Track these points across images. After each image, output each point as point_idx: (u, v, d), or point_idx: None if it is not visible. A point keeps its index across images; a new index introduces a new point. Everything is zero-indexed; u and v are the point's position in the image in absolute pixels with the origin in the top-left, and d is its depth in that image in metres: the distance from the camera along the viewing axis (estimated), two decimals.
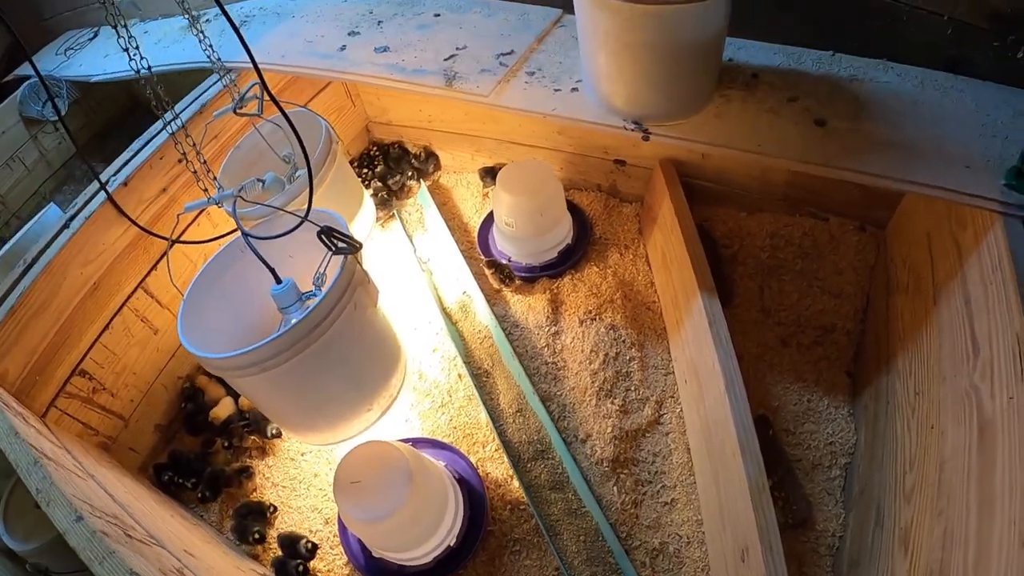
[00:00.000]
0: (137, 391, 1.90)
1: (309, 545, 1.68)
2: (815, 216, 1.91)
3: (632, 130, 1.63)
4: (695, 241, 1.77)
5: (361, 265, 1.46)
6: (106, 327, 1.78)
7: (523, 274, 2.06)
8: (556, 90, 1.75)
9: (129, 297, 1.84)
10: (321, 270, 1.46)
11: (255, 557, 1.72)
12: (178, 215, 1.62)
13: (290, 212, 1.45)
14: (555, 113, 1.66)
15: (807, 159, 1.53)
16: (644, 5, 1.41)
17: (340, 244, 1.40)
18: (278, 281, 1.45)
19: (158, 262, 1.88)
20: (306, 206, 1.46)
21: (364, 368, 1.51)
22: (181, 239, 1.83)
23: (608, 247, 2.09)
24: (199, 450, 1.90)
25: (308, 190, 1.46)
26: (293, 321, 1.37)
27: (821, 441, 1.67)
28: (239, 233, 1.46)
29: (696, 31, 1.48)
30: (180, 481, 1.84)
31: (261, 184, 1.72)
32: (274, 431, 1.88)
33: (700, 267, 1.71)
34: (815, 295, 1.85)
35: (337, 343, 1.39)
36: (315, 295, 1.49)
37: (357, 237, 1.42)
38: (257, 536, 1.72)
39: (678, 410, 1.77)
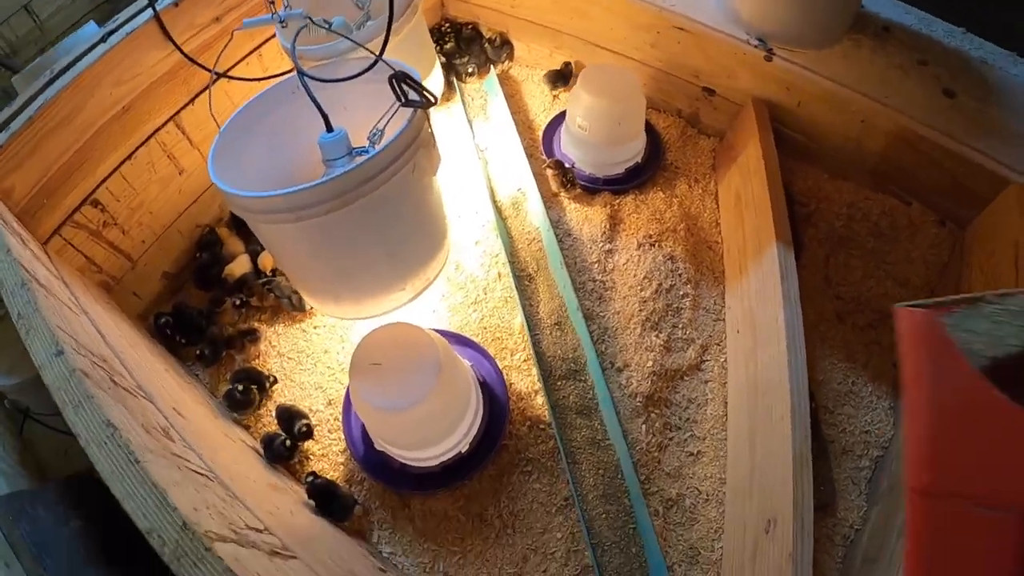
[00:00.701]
0: (151, 232, 1.73)
1: (304, 428, 1.52)
2: (898, 197, 1.74)
3: (755, 46, 1.46)
4: (779, 188, 1.61)
5: (430, 124, 1.28)
6: (129, 157, 1.60)
7: (584, 183, 1.88)
8: None
9: (159, 129, 1.65)
10: (380, 126, 1.28)
11: (246, 428, 1.58)
12: (234, 31, 1.43)
13: (359, 49, 1.26)
14: (672, 8, 1.47)
15: (933, 125, 1.43)
16: None
17: (412, 96, 1.23)
18: (329, 129, 1.28)
19: (196, 96, 1.70)
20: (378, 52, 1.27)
21: (407, 240, 1.33)
22: (228, 73, 1.63)
23: (678, 176, 1.91)
24: (206, 307, 1.73)
25: (386, 30, 1.27)
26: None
27: (857, 427, 1.53)
28: (293, 73, 1.28)
29: None
30: (180, 340, 1.68)
31: (328, 26, 1.53)
32: (296, 300, 1.71)
33: (780, 216, 1.55)
34: (880, 277, 1.69)
35: (386, 204, 1.22)
36: (367, 152, 1.32)
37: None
38: (248, 397, 1.57)
39: (722, 359, 1.62)
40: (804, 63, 1.50)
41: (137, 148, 1.62)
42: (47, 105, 1.41)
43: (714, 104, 1.89)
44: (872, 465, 1.50)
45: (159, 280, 1.79)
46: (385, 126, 1.28)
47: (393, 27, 1.53)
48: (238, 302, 1.71)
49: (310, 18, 1.31)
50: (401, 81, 1.22)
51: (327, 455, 1.54)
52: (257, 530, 1.05)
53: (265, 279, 1.73)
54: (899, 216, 1.74)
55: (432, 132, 1.29)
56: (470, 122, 2.07)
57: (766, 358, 1.44)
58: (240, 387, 1.55)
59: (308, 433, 1.53)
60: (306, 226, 1.20)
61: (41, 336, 1.07)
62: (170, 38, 1.57)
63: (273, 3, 1.32)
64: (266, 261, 1.77)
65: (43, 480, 1.68)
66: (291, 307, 1.71)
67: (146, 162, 1.64)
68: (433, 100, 1.24)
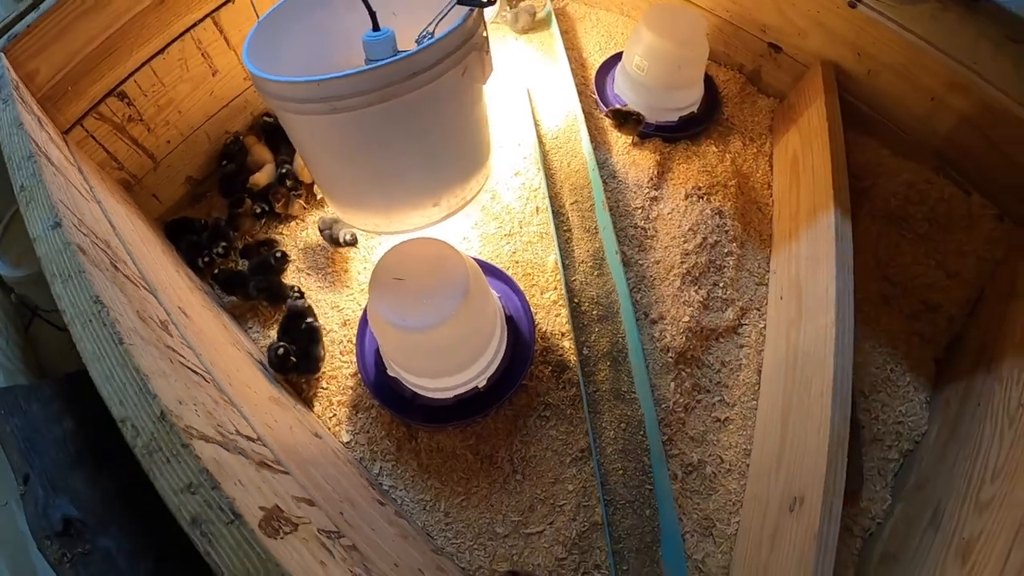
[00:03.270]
0: (177, 133, 1.56)
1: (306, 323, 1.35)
2: (959, 185, 1.54)
3: None
4: (841, 152, 1.42)
5: (485, 28, 1.09)
6: (161, 51, 1.43)
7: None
8: None
9: (196, 24, 1.47)
10: (431, 29, 1.10)
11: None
12: None
13: None
14: None
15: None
16: None
17: None
18: (376, 28, 1.09)
19: None
20: None
21: (447, 151, 1.15)
22: None
23: (732, 132, 1.72)
24: (225, 220, 1.57)
25: None
26: None
27: (891, 417, 1.36)
28: None
29: None
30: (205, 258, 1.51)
31: None
32: (346, 235, 1.51)
33: (841, 182, 1.37)
34: (930, 266, 1.50)
35: (430, 105, 1.05)
36: None
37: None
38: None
39: (761, 326, 1.44)
40: (894, 15, 1.30)
41: (171, 43, 1.44)
42: None
43: (778, 62, 1.69)
44: (901, 458, 1.34)
45: (182, 184, 1.63)
46: (435, 29, 1.10)
47: None
48: (259, 210, 1.55)
49: None
50: None
51: (337, 377, 1.38)
52: (249, 438, 0.88)
53: (291, 184, 1.57)
54: (958, 205, 1.54)
55: (487, 37, 1.11)
56: (519, 48, 1.87)
57: (811, 328, 1.27)
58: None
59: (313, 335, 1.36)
60: (340, 120, 1.03)
61: (40, 208, 0.91)
62: None
63: None
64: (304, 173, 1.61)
65: (42, 379, 1.54)
66: (348, 242, 1.51)
67: (179, 58, 1.47)
68: (489, 0, 1.05)
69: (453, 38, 1.00)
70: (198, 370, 0.95)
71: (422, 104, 1.03)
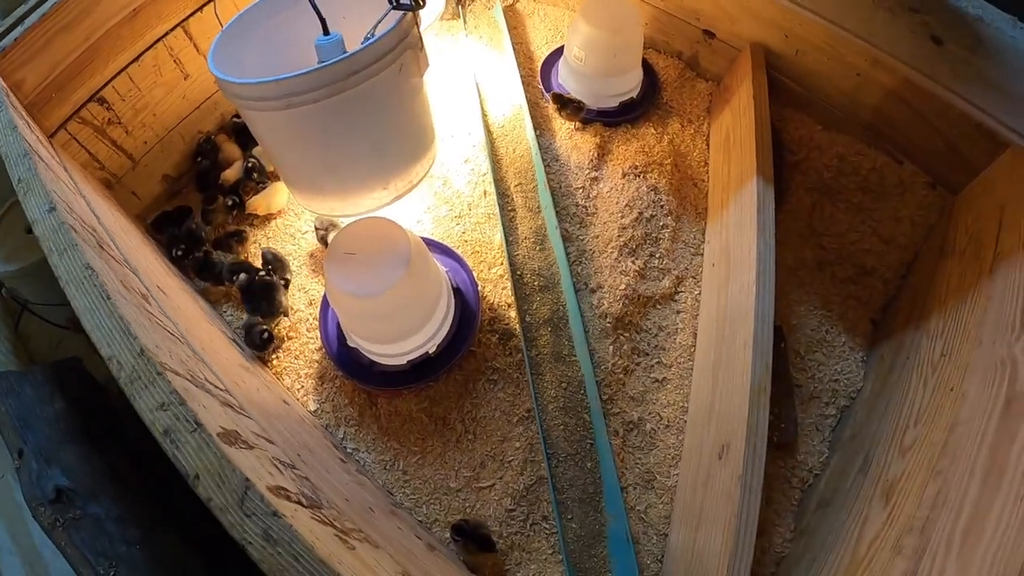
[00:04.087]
0: (153, 134, 1.79)
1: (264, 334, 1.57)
2: (891, 156, 1.73)
3: None
4: (766, 127, 1.62)
5: (419, 28, 1.32)
6: (136, 59, 1.66)
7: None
8: None
9: (167, 34, 1.70)
10: (374, 32, 1.32)
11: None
12: None
13: None
14: None
15: (916, 67, 1.43)
16: None
17: (403, 1, 1.27)
18: (326, 33, 1.33)
19: (205, 4, 1.75)
20: None
21: (392, 139, 1.38)
22: None
23: (671, 115, 1.93)
24: (197, 217, 1.80)
25: None
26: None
27: (827, 375, 1.55)
28: None
29: None
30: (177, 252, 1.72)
31: None
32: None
33: (764, 153, 1.56)
34: (865, 233, 1.70)
35: (372, 99, 1.27)
36: None
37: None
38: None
39: (696, 292, 1.64)
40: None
41: (145, 51, 1.67)
42: (59, 3, 1.45)
43: (713, 48, 1.90)
44: (838, 414, 1.53)
45: (159, 182, 1.86)
46: (376, 30, 1.32)
47: None
48: (230, 202, 1.78)
49: None
50: None
51: (304, 352, 1.60)
52: (216, 387, 1.10)
53: (253, 172, 1.82)
54: (890, 174, 1.74)
55: (420, 36, 1.33)
56: (470, 41, 2.10)
57: (736, 287, 1.46)
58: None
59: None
60: (295, 114, 1.25)
61: (36, 195, 1.13)
62: None
63: None
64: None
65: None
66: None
67: (153, 65, 1.70)
68: (421, 3, 1.28)
69: (387, 40, 1.23)
70: (174, 333, 1.17)
71: (364, 97, 1.26)
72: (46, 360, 1.86)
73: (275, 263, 1.65)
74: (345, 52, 1.34)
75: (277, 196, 1.80)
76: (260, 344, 1.54)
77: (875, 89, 1.62)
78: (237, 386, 1.23)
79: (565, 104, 1.84)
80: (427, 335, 1.43)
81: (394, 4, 1.28)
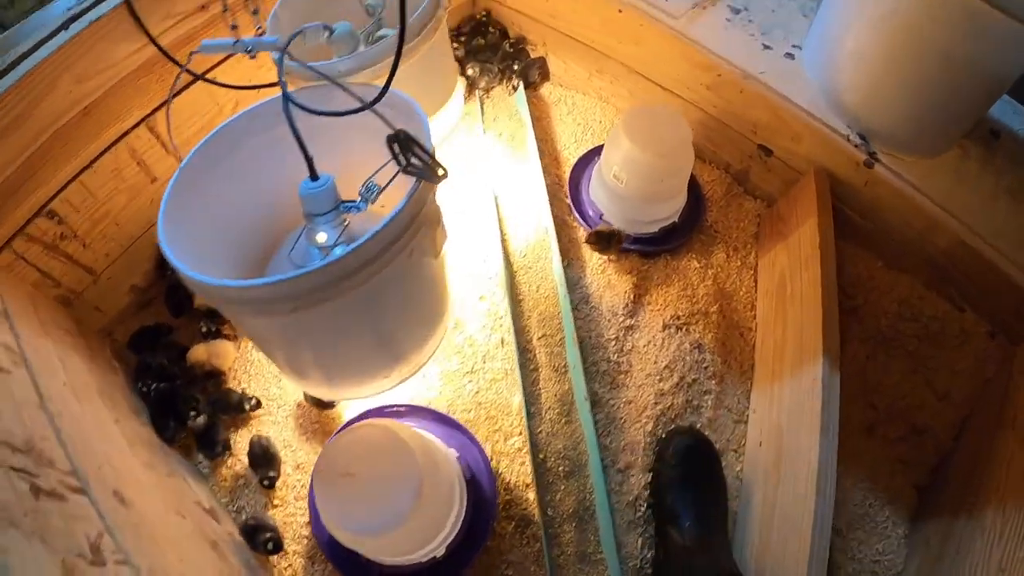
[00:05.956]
0: (116, 245, 1.53)
1: (269, 543, 1.32)
2: (952, 301, 1.53)
3: (857, 145, 1.22)
4: (834, 287, 1.39)
5: (434, 198, 1.05)
6: (90, 164, 1.40)
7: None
8: (766, 47, 1.39)
9: (127, 133, 1.44)
10: (376, 181, 1.06)
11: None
12: (191, 54, 1.16)
13: (352, 89, 1.02)
14: (762, 77, 1.24)
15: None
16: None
17: (415, 161, 0.99)
18: (313, 176, 1.04)
19: (174, 96, 1.45)
20: (384, 82, 1.02)
21: (397, 331, 1.14)
22: (205, 75, 1.37)
23: (716, 241, 1.69)
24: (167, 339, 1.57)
25: (392, 61, 1.00)
26: (319, 240, 1.01)
27: (867, 556, 1.37)
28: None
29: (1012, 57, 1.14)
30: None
31: (328, 33, 1.29)
32: None
33: (832, 324, 1.35)
34: (919, 386, 1.50)
35: (367, 300, 1.01)
36: (357, 209, 1.09)
37: (433, 140, 1.02)
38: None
39: (737, 468, 1.43)
40: (915, 178, 1.32)
41: (101, 154, 1.41)
42: None
43: (768, 166, 1.65)
44: None
45: (126, 294, 1.61)
46: (378, 176, 1.06)
47: (409, 45, 1.30)
48: (205, 330, 1.54)
49: (288, 53, 1.06)
50: (402, 145, 0.98)
51: (290, 525, 1.38)
52: None
53: None
54: (951, 322, 1.53)
55: (439, 208, 1.07)
56: (487, 146, 1.81)
57: (789, 493, 1.25)
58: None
59: (276, 548, 1.33)
60: (273, 322, 1.00)
61: None
62: (141, 25, 1.34)
63: (236, 28, 1.07)
64: None
65: None
66: None
67: (111, 170, 1.44)
68: (442, 172, 1.01)
69: (393, 226, 0.93)
70: None
71: (359, 300, 1.00)
72: None
73: (262, 459, 1.39)
74: (337, 201, 1.08)
75: (225, 351, 1.54)
76: (265, 553, 1.33)
77: (950, 236, 1.40)
78: None
79: (608, 242, 1.58)
80: (437, 542, 1.22)
81: (404, 166, 0.99)
